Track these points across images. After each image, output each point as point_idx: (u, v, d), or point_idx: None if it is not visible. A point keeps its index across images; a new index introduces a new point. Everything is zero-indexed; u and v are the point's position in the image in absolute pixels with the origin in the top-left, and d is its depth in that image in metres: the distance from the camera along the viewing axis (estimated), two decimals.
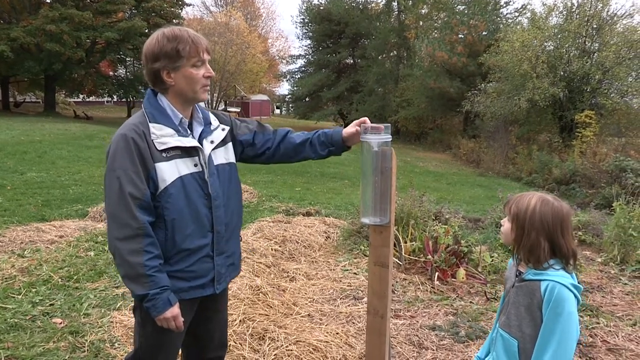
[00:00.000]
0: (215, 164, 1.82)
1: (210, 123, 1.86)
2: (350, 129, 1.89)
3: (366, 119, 1.83)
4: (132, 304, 1.87)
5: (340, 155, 1.99)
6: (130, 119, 1.75)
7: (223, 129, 1.89)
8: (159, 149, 1.67)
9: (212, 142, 1.82)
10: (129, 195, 1.60)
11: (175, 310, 1.68)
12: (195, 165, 1.75)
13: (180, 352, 1.99)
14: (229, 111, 30.84)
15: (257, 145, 1.99)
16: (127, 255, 1.61)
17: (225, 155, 1.89)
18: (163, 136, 1.69)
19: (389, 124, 1.76)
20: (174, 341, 1.85)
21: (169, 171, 1.68)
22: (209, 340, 2.01)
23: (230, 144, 1.92)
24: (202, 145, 1.78)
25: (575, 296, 1.51)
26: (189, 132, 1.78)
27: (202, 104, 1.88)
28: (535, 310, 1.53)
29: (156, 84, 1.74)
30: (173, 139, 1.70)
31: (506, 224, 1.64)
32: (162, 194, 1.68)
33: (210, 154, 1.80)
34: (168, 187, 1.68)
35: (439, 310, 3.67)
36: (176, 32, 1.69)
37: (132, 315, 1.87)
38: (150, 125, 1.69)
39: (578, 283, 1.55)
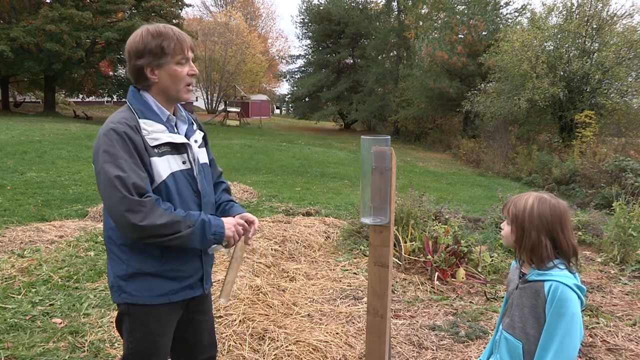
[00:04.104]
0: (200, 162, 1.83)
1: (193, 123, 1.88)
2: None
3: (246, 220, 1.83)
4: (116, 317, 1.82)
5: None
6: (114, 115, 1.68)
7: (200, 132, 1.90)
8: (152, 145, 1.65)
9: (196, 141, 1.83)
10: (133, 185, 1.53)
11: (229, 223, 1.72)
12: (184, 162, 1.74)
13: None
14: (229, 111, 30.75)
15: None
16: (160, 229, 1.55)
17: (204, 155, 1.90)
18: (154, 132, 1.67)
19: None
20: (163, 345, 1.83)
21: (163, 167, 1.67)
22: (199, 343, 1.98)
23: (204, 148, 1.93)
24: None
25: (579, 297, 1.50)
26: (175, 129, 1.77)
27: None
28: (539, 311, 1.52)
29: (139, 80, 1.71)
30: (164, 135, 1.68)
31: (506, 227, 1.64)
32: (156, 190, 1.66)
33: (197, 151, 1.82)
34: (163, 182, 1.66)
35: (439, 310, 3.67)
36: (160, 29, 1.67)
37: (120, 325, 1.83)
38: (140, 121, 1.66)
39: (581, 284, 1.54)
